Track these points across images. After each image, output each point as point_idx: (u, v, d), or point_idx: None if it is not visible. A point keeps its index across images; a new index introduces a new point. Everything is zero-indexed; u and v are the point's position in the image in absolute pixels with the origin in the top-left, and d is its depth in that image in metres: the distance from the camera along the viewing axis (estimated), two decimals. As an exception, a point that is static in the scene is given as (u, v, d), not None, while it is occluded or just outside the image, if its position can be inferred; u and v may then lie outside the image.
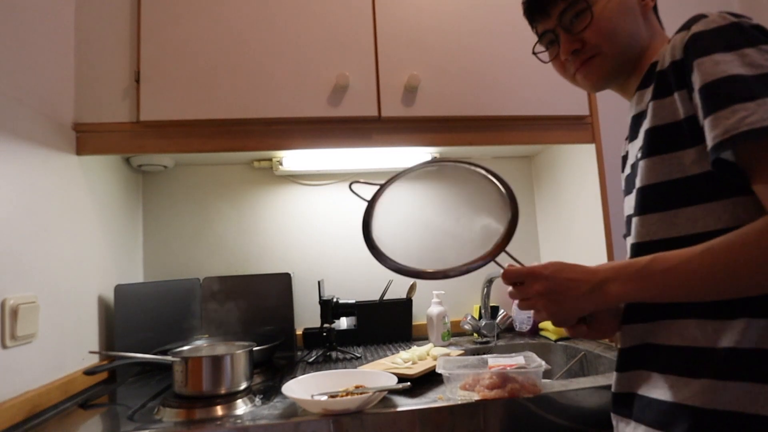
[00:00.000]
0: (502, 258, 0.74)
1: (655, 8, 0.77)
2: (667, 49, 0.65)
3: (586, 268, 0.65)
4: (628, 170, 0.77)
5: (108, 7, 1.18)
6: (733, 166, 0.58)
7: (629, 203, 0.75)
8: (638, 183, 0.68)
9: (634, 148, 0.72)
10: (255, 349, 1.06)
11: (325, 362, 1.27)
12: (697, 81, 0.59)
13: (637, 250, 0.68)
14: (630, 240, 0.71)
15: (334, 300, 1.37)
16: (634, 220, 0.69)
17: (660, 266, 0.59)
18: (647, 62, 0.72)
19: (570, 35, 0.74)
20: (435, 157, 0.80)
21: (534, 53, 0.82)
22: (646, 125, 0.67)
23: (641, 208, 0.68)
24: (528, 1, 0.79)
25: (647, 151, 0.66)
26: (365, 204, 0.81)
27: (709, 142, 0.57)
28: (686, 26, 0.64)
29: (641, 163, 0.68)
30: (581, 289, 0.64)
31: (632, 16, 0.73)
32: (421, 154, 1.55)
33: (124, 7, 1.18)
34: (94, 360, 1.17)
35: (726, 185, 0.60)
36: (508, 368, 0.94)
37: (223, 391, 0.95)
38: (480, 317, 1.48)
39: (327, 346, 1.34)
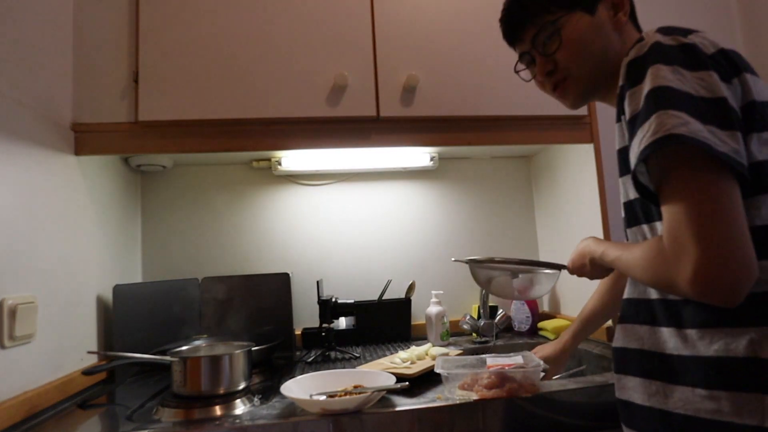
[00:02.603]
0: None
1: (633, 16, 0.77)
2: (620, 73, 0.65)
3: (580, 251, 0.81)
4: None
5: (106, 7, 1.18)
6: (645, 189, 0.62)
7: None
8: (621, 198, 0.73)
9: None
10: (254, 349, 1.06)
11: (323, 362, 1.27)
12: (627, 112, 0.62)
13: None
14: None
15: (333, 300, 1.37)
16: (627, 231, 0.74)
17: (607, 258, 0.72)
18: None
19: (543, 57, 0.77)
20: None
21: (516, 71, 0.85)
22: (616, 145, 0.70)
23: (626, 222, 0.73)
24: (503, 26, 0.82)
25: (620, 170, 0.71)
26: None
27: (631, 168, 0.61)
28: (630, 48, 0.65)
29: (620, 181, 0.72)
30: (586, 266, 0.80)
31: (602, 34, 0.74)
32: (419, 153, 1.55)
33: (122, 7, 1.18)
34: (92, 360, 1.16)
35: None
36: (507, 368, 0.94)
37: (221, 391, 0.95)
38: (479, 317, 1.48)
39: (326, 346, 1.34)
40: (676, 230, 0.55)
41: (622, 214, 0.73)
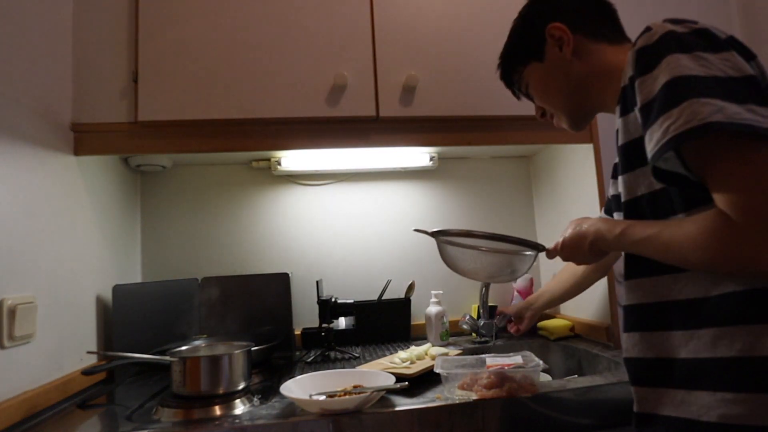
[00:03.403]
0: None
1: (592, 30, 0.77)
2: (626, 65, 0.65)
3: (580, 232, 0.77)
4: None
5: (106, 7, 1.17)
6: (672, 176, 0.60)
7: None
8: (622, 197, 0.70)
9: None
10: (253, 349, 1.06)
11: (323, 362, 1.27)
12: (638, 101, 0.61)
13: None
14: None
15: (333, 300, 1.37)
16: None
17: (631, 238, 0.65)
18: (615, 82, 0.71)
19: (533, 103, 0.90)
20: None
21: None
22: (619, 141, 0.69)
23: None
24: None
25: (623, 167, 0.69)
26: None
27: (648, 156, 0.59)
28: (637, 39, 0.64)
29: (620, 179, 0.70)
30: (583, 248, 0.77)
31: (558, 73, 0.80)
32: (419, 153, 1.55)
33: (122, 7, 1.18)
34: (92, 360, 1.16)
35: (692, 195, 0.60)
36: (506, 368, 0.94)
37: (221, 391, 0.95)
38: (478, 317, 1.48)
39: (325, 346, 1.34)
40: (751, 203, 0.51)
41: (623, 214, 0.70)
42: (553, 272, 1.60)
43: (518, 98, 0.93)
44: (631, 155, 0.66)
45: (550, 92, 0.84)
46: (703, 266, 0.58)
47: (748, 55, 0.59)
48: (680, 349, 0.62)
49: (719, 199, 0.54)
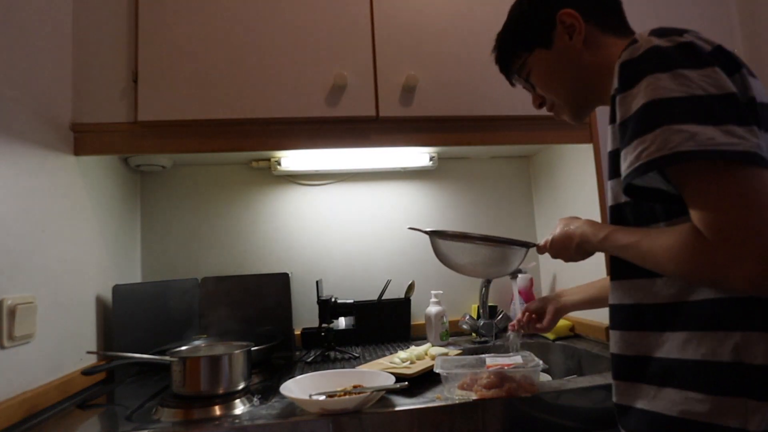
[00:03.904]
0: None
1: (603, 21, 0.76)
2: (614, 74, 0.65)
3: (567, 233, 0.79)
4: None
5: (105, 6, 1.17)
6: (648, 192, 0.61)
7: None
8: (608, 201, 0.73)
9: None
10: (253, 349, 1.06)
11: (323, 362, 1.27)
12: (617, 117, 0.62)
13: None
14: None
15: (333, 300, 1.37)
16: None
17: (613, 243, 0.68)
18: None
19: (531, 93, 0.86)
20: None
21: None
22: (608, 146, 0.69)
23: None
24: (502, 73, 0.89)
25: (610, 172, 0.70)
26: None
27: (621, 176, 0.60)
28: (623, 50, 0.63)
29: (607, 183, 0.71)
30: (570, 248, 0.78)
31: (565, 62, 0.77)
32: (419, 153, 1.55)
33: (121, 7, 1.18)
34: (92, 360, 1.16)
35: (672, 207, 0.61)
36: (506, 368, 0.94)
37: (221, 391, 0.95)
38: (478, 317, 1.48)
39: (325, 346, 1.34)
40: (721, 222, 0.52)
41: (608, 218, 0.72)
42: (554, 272, 1.60)
43: (513, 85, 0.89)
44: (615, 163, 0.67)
45: (555, 82, 0.80)
46: (678, 276, 0.61)
47: (733, 68, 0.59)
48: (655, 349, 0.65)
49: (693, 216, 0.55)
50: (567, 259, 0.82)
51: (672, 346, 0.63)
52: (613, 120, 0.66)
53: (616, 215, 0.70)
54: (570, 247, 0.78)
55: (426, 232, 0.98)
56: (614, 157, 0.67)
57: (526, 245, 0.91)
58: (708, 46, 0.59)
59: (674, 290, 0.63)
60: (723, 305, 0.59)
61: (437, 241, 0.97)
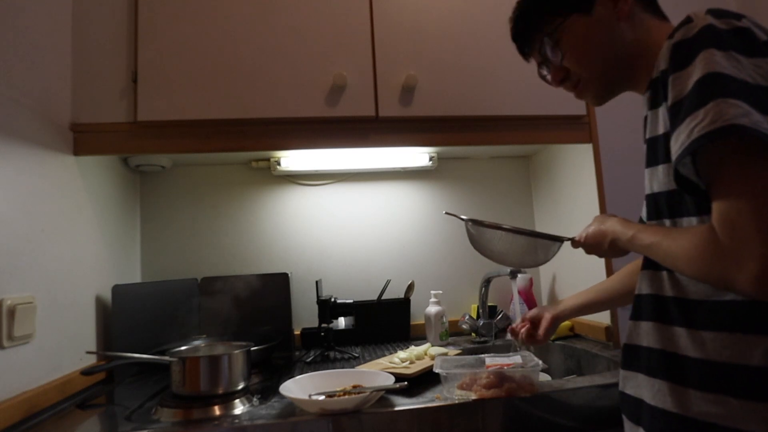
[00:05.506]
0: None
1: (649, 2, 0.74)
2: (660, 56, 0.63)
3: (601, 230, 0.78)
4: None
5: (105, 7, 1.17)
6: (688, 182, 0.58)
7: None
8: (645, 190, 0.70)
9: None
10: (253, 349, 1.06)
11: (323, 362, 1.27)
12: (669, 98, 0.59)
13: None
14: None
15: (332, 300, 1.37)
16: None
17: (639, 243, 0.67)
18: (652, 59, 0.68)
19: (553, 66, 0.77)
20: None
21: (541, 77, 0.83)
22: (646, 134, 0.68)
23: (647, 216, 0.71)
24: (514, 41, 0.83)
25: (648, 161, 0.68)
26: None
27: (672, 158, 0.58)
28: (676, 29, 0.61)
29: (645, 171, 0.69)
30: (603, 245, 0.78)
31: (606, 30, 0.71)
32: (418, 153, 1.55)
33: (121, 7, 1.18)
34: (91, 360, 1.16)
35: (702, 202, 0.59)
36: (506, 367, 0.94)
37: (220, 391, 0.95)
38: (478, 317, 1.48)
39: (325, 346, 1.34)
40: (735, 223, 0.51)
41: (643, 208, 0.72)
42: (553, 273, 1.61)
43: (527, 60, 0.83)
44: (654, 150, 0.65)
45: (591, 54, 0.72)
46: (694, 278, 0.60)
47: None
48: (675, 344, 0.63)
49: (714, 210, 0.54)
50: (600, 255, 0.83)
51: (697, 344, 0.60)
52: (654, 105, 0.64)
53: (653, 205, 0.68)
54: (603, 244, 0.78)
55: (463, 219, 0.98)
56: (652, 145, 0.65)
57: (560, 239, 0.91)
58: (764, 36, 0.58)
59: (704, 286, 0.61)
60: (756, 307, 0.56)
61: (474, 227, 0.97)
